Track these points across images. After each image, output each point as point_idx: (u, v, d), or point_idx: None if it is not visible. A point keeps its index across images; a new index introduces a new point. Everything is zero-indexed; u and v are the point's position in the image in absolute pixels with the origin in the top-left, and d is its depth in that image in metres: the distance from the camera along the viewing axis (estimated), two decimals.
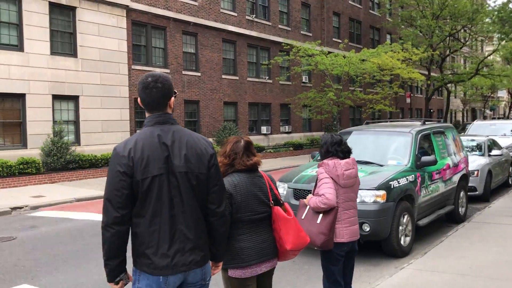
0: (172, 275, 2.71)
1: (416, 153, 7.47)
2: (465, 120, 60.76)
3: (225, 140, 3.65)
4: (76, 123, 17.67)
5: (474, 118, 63.89)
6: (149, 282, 2.71)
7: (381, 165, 7.21)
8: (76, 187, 14.64)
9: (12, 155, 15.29)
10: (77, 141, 17.52)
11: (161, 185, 2.69)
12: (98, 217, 10.29)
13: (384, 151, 7.77)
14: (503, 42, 36.63)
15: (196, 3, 22.77)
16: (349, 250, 4.40)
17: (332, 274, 4.34)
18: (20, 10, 15.91)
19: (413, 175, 7.19)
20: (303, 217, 4.26)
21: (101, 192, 13.52)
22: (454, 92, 45.74)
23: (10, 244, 8.18)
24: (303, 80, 29.99)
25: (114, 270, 2.72)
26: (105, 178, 2.74)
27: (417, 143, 7.66)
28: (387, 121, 11.09)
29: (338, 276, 4.35)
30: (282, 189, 7.18)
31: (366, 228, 6.37)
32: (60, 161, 15.94)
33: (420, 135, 7.97)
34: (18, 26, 15.90)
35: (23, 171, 14.99)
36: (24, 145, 16.01)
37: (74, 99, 17.59)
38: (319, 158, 5.23)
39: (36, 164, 15.33)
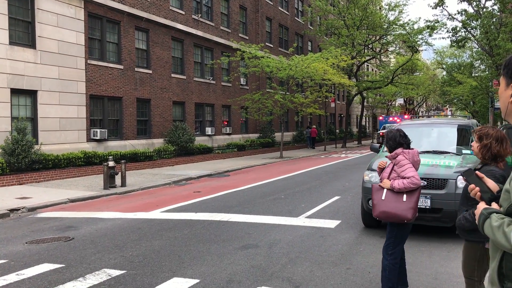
0: None
1: None
2: (367, 125, 65.25)
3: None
4: (34, 120, 16.21)
5: (375, 123, 68.88)
6: None
7: (458, 154, 7.80)
8: (52, 188, 13.47)
9: None
10: (36, 139, 16.07)
11: None
12: (129, 215, 9.71)
13: (450, 142, 8.40)
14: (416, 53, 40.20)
15: None
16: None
17: (401, 241, 4.95)
18: None
19: None
20: (383, 198, 4.88)
21: (85, 192, 12.71)
22: (367, 98, 49.06)
23: (80, 243, 7.46)
24: (241, 83, 30.34)
25: None
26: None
27: None
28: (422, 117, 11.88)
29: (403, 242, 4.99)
30: (369, 177, 7.54)
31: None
32: (25, 161, 14.54)
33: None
34: None
35: None
36: None
37: (33, 94, 16.15)
38: (385, 149, 5.84)
39: (1, 164, 13.86)
